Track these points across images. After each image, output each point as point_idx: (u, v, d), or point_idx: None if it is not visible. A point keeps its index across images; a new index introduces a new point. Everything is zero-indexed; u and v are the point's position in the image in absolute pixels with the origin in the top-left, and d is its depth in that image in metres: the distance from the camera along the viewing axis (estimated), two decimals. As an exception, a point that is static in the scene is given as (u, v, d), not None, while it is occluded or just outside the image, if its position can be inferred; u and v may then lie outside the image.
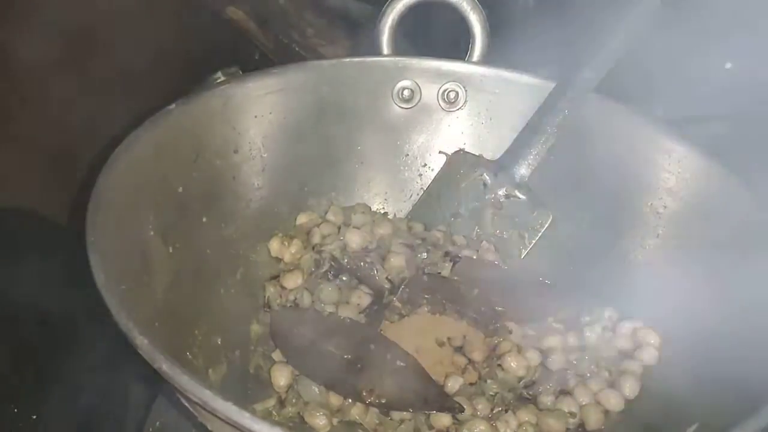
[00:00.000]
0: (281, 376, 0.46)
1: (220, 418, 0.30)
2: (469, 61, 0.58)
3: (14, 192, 0.53)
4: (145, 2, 0.70)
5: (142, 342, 0.32)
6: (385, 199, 0.59)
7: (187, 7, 0.76)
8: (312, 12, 0.88)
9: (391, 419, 0.45)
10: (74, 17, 0.58)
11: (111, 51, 0.63)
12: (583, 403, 0.46)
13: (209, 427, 0.37)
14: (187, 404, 0.37)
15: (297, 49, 0.81)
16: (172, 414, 0.49)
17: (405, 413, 0.45)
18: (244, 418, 0.29)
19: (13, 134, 0.53)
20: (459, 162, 0.58)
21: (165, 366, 0.31)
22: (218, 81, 0.71)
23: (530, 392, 0.47)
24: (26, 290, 0.52)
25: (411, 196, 0.59)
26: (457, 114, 0.58)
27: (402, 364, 0.46)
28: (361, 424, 0.45)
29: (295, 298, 0.51)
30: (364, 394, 0.44)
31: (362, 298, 0.52)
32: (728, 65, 0.93)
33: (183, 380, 0.31)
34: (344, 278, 0.53)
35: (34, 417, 0.50)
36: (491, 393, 0.46)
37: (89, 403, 0.53)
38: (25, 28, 0.53)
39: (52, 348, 0.52)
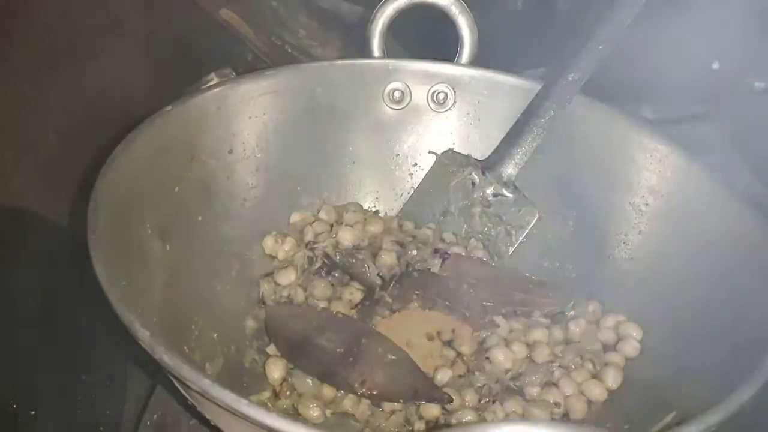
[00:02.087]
0: (276, 370, 0.47)
1: (218, 406, 0.32)
2: (458, 63, 0.59)
3: (14, 192, 0.54)
4: (139, 5, 0.71)
5: (143, 334, 0.33)
6: (377, 198, 0.60)
7: (181, 9, 0.77)
8: (304, 14, 0.89)
9: (382, 410, 0.46)
10: (71, 19, 0.59)
11: (107, 53, 0.64)
12: (568, 394, 0.47)
13: (208, 416, 0.38)
14: (186, 394, 0.38)
15: (289, 50, 0.81)
16: (169, 406, 0.50)
17: (396, 404, 0.46)
18: (241, 405, 0.31)
19: (13, 135, 0.54)
20: (448, 161, 0.59)
21: (166, 357, 0.32)
22: (212, 82, 0.72)
23: (517, 384, 0.48)
24: (26, 288, 0.53)
25: (402, 194, 0.60)
26: (446, 115, 0.59)
27: (393, 357, 0.47)
28: (353, 415, 0.46)
29: (289, 294, 0.52)
30: (356, 386, 0.45)
31: (354, 294, 0.53)
32: (715, 65, 0.94)
33: (184, 370, 0.32)
34: (336, 275, 0.54)
35: (33, 413, 0.51)
36: (479, 385, 0.47)
37: (87, 398, 0.54)
38: (23, 30, 0.54)
39: (51, 344, 0.52)
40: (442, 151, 0.59)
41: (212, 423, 0.39)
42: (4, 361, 0.50)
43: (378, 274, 0.54)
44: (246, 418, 0.31)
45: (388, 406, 0.46)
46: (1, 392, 0.50)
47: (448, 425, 0.44)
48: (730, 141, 0.79)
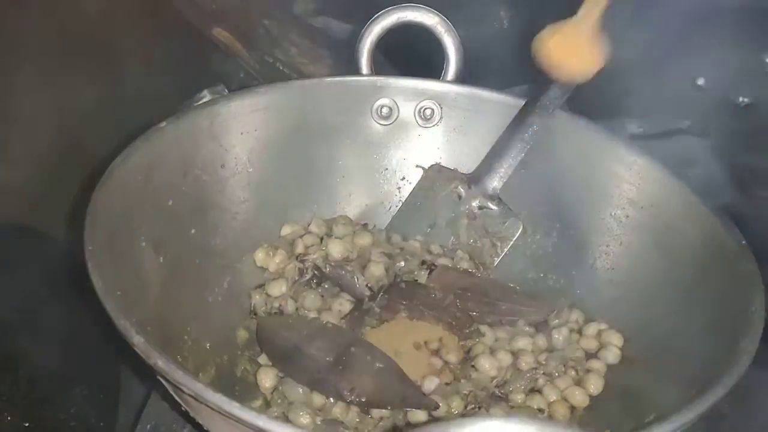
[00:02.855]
0: (267, 379, 0.48)
1: (211, 409, 0.33)
2: (444, 80, 0.60)
3: (10, 208, 0.55)
4: (134, 23, 0.72)
5: (139, 341, 0.34)
6: (366, 212, 0.61)
7: (174, 28, 0.78)
8: (295, 32, 0.90)
9: (371, 417, 0.47)
10: (66, 38, 0.60)
11: (102, 70, 0.65)
12: (551, 400, 0.48)
13: (201, 421, 0.39)
14: (179, 400, 0.39)
15: (281, 68, 0.82)
16: (163, 417, 0.51)
17: (384, 411, 0.47)
18: (233, 407, 0.32)
19: (9, 152, 0.54)
20: (435, 175, 0.60)
21: (160, 362, 0.33)
22: (204, 99, 0.73)
23: (502, 391, 0.49)
24: (21, 300, 0.53)
25: (390, 208, 0.61)
26: (433, 130, 0.60)
27: (381, 365, 0.48)
28: (342, 422, 0.47)
29: (280, 305, 0.53)
30: (346, 393, 0.46)
31: (344, 304, 0.53)
32: (700, 81, 0.96)
33: (177, 375, 0.33)
34: (326, 286, 0.55)
35: (27, 425, 0.51)
36: (465, 392, 0.48)
37: (81, 410, 0.54)
38: (20, 49, 0.55)
39: (45, 357, 0.53)
40: (429, 166, 0.60)
41: (205, 429, 0.40)
42: (-1, 374, 0.51)
43: (367, 285, 0.54)
44: (238, 420, 0.32)
45: (376, 412, 0.47)
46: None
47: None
48: (713, 154, 0.81)
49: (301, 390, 0.47)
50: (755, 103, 0.95)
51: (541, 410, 0.48)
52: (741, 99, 0.95)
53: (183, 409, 0.40)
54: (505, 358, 0.51)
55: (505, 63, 0.69)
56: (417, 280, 0.55)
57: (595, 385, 0.49)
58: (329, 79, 0.60)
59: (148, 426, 0.51)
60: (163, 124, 0.50)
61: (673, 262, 0.50)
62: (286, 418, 0.46)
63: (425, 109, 0.60)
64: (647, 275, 0.51)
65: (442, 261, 0.57)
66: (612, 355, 0.50)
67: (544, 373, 0.50)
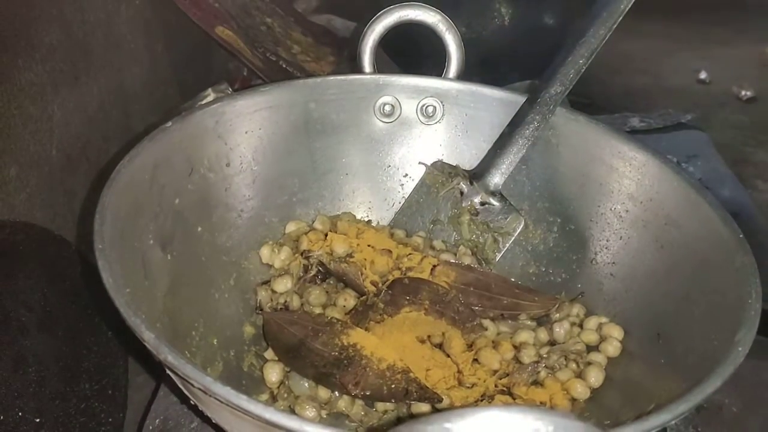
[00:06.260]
0: (273, 373, 0.49)
1: (220, 402, 0.33)
2: (446, 78, 0.60)
3: (20, 207, 0.55)
4: (139, 25, 0.73)
5: (149, 337, 0.35)
6: (369, 208, 0.62)
7: (179, 28, 0.79)
8: (298, 30, 0.92)
9: (375, 410, 0.48)
10: (73, 38, 0.61)
11: (108, 72, 0.66)
12: (553, 393, 0.49)
13: (208, 414, 0.40)
14: (188, 393, 0.40)
15: (284, 66, 0.83)
16: (170, 412, 0.51)
17: (388, 404, 0.48)
18: (241, 400, 0.32)
19: (18, 152, 0.55)
20: (437, 172, 0.61)
21: (170, 357, 0.34)
22: (209, 98, 0.74)
23: (504, 384, 0.49)
24: (31, 299, 0.54)
25: (393, 204, 0.62)
26: (435, 127, 0.61)
27: (385, 359, 0.48)
28: (347, 415, 0.48)
29: (285, 301, 0.54)
30: (350, 387, 0.46)
31: (348, 300, 0.54)
32: (702, 75, 0.97)
33: (187, 369, 0.34)
34: (331, 282, 0.56)
35: (38, 420, 0.52)
36: (468, 385, 0.49)
37: (91, 405, 0.55)
38: (28, 52, 0.56)
39: (55, 354, 0.54)
40: (431, 162, 0.61)
41: (213, 422, 0.41)
42: (10, 370, 0.52)
43: (371, 281, 0.55)
44: (246, 413, 0.33)
45: (381, 406, 0.48)
46: (7, 400, 0.51)
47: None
48: (716, 147, 0.81)
49: (306, 384, 0.48)
50: (757, 96, 0.96)
51: (542, 403, 0.48)
52: (743, 92, 0.96)
53: (192, 403, 0.41)
54: (508, 352, 0.51)
55: (506, 60, 0.70)
56: (420, 276, 0.56)
57: (595, 377, 0.49)
58: (332, 77, 0.60)
59: (157, 420, 0.52)
60: (169, 124, 0.51)
61: (672, 256, 0.50)
62: (292, 412, 0.47)
63: (427, 106, 0.61)
64: (647, 269, 0.52)
65: (445, 256, 0.58)
66: (612, 348, 0.51)
67: (545, 366, 0.50)
